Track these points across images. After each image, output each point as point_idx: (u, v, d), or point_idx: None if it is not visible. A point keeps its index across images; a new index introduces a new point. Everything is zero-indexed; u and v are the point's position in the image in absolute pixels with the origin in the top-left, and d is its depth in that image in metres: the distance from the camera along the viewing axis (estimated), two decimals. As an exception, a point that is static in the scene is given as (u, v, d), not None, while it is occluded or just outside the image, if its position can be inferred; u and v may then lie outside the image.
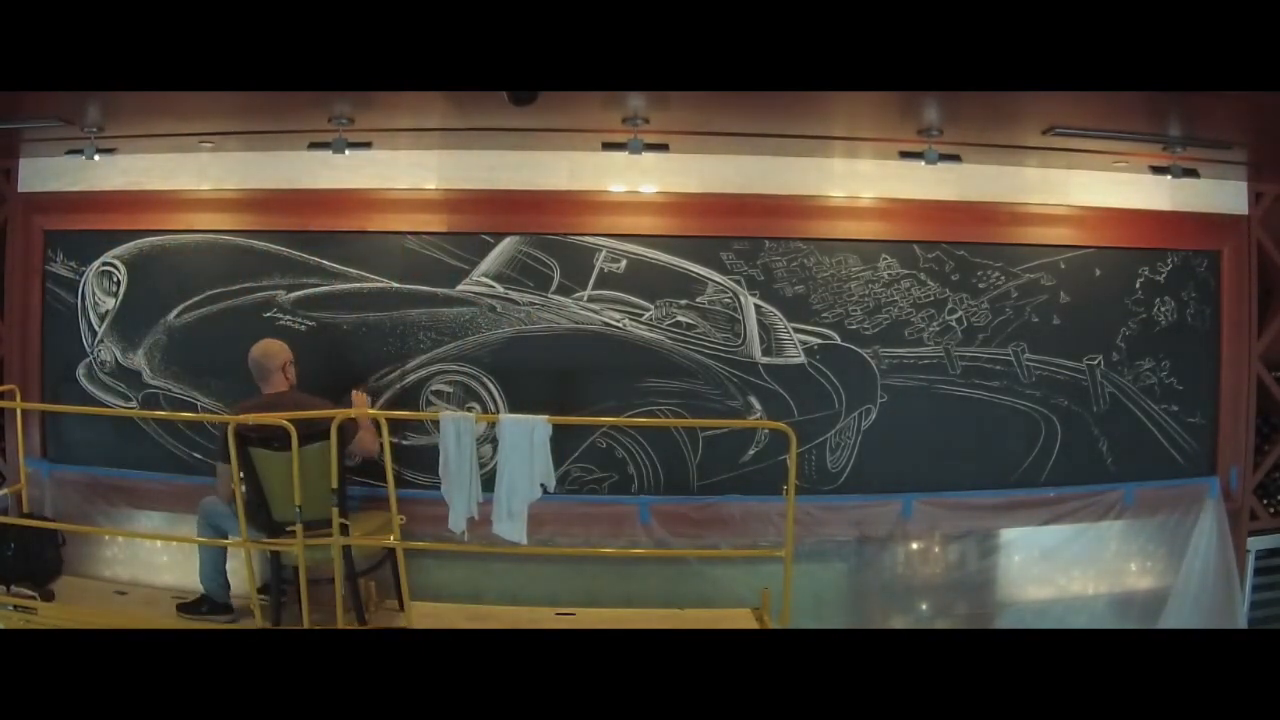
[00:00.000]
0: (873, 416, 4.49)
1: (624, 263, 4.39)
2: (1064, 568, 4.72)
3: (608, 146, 4.13)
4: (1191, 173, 4.36)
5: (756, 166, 4.36)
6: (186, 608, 3.97)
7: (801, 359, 4.44)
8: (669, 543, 4.29)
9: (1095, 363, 4.62)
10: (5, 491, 4.35)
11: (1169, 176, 4.29)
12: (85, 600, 4.16)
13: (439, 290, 4.38)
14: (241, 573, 3.77)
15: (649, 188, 4.40)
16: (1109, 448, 4.64)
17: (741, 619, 4.02)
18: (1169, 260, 4.67)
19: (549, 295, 4.38)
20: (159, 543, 4.55)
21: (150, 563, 4.58)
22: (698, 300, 4.40)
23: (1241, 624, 4.61)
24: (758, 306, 4.42)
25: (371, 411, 3.91)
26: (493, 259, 4.39)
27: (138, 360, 4.53)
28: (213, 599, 3.94)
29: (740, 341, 4.42)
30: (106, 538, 4.59)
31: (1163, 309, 4.67)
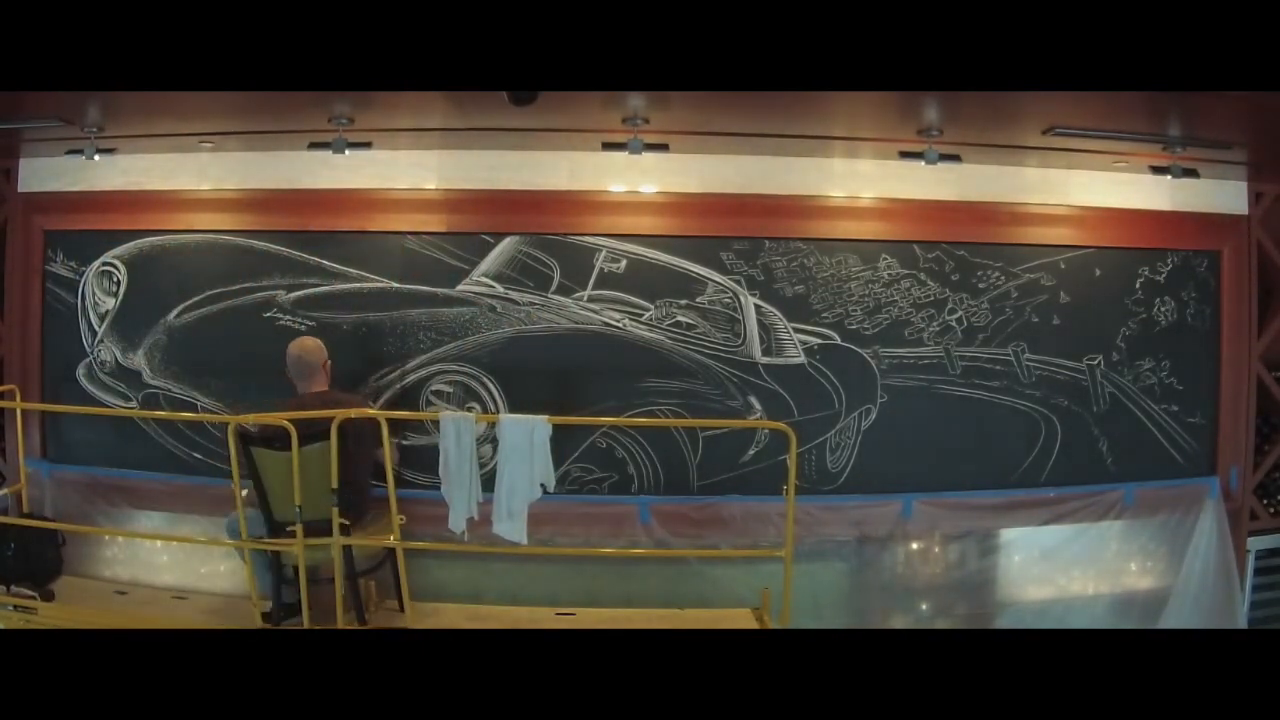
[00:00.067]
0: (873, 416, 4.50)
1: (624, 263, 4.39)
2: (1064, 568, 4.72)
3: (608, 146, 4.13)
4: (1191, 173, 4.35)
5: (756, 166, 4.36)
6: (267, 618, 3.80)
7: (801, 359, 4.44)
8: (669, 543, 4.29)
9: (1095, 363, 4.62)
10: (5, 491, 4.35)
11: (1169, 176, 4.29)
12: (85, 600, 4.16)
13: (439, 290, 4.38)
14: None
15: (649, 188, 4.40)
16: (1109, 448, 4.64)
17: (741, 619, 4.02)
18: (1169, 260, 4.67)
19: (549, 295, 4.38)
20: (159, 543, 4.56)
21: (150, 563, 4.59)
22: (698, 300, 4.40)
23: (1241, 624, 4.61)
24: (758, 306, 4.42)
25: (371, 411, 3.91)
26: (493, 259, 4.39)
27: (138, 360, 4.53)
28: (283, 603, 3.79)
29: (740, 341, 4.42)
30: (106, 538, 4.59)
31: (1163, 309, 4.67)
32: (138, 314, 4.54)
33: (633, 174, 4.34)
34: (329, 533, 3.60)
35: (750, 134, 4.08)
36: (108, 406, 4.53)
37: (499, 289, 4.38)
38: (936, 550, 4.62)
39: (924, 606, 4.63)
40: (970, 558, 4.64)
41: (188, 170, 4.47)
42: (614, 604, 4.20)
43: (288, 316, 4.41)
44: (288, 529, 3.61)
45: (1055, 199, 4.56)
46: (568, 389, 4.38)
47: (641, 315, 4.38)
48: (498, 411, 4.30)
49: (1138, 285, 4.65)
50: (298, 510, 3.55)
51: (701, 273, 4.40)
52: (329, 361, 4.01)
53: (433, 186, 4.40)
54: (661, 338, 4.39)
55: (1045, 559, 4.70)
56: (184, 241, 4.51)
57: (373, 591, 4.11)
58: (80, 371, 4.60)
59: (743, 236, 4.40)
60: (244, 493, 3.66)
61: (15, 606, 3.95)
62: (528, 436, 3.57)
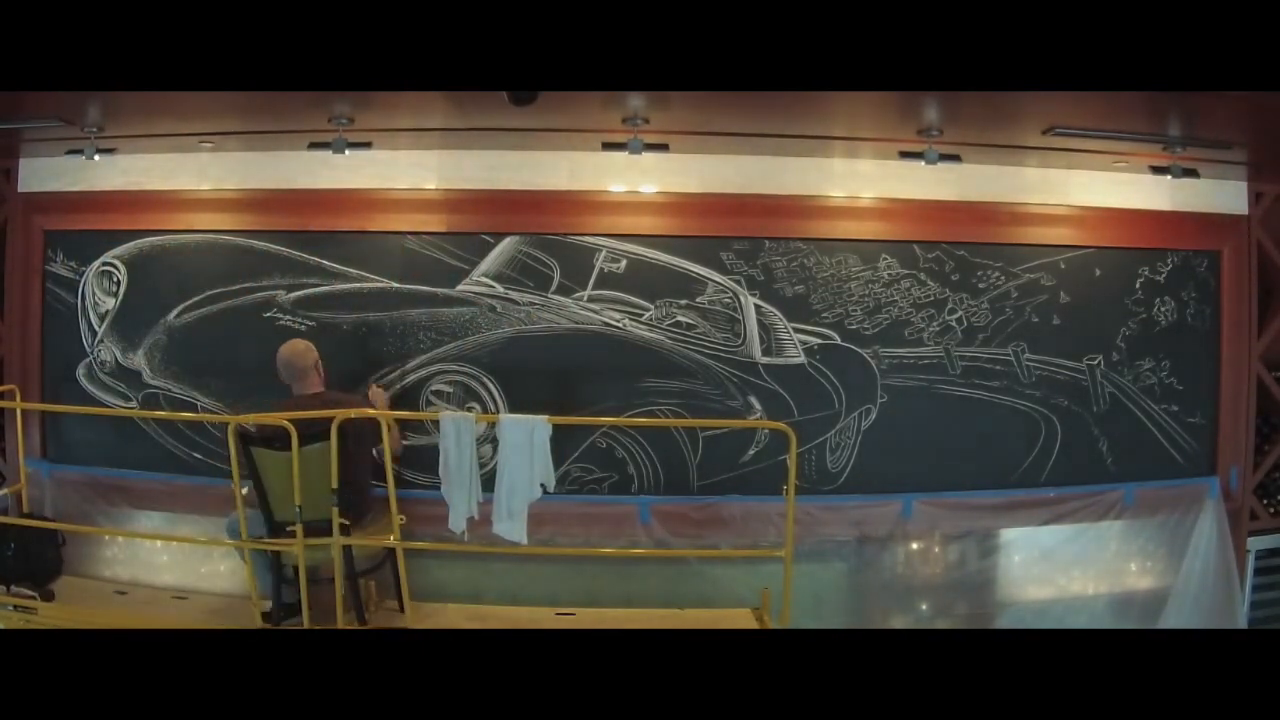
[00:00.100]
0: (873, 416, 4.49)
1: (624, 263, 4.39)
2: (1064, 568, 4.72)
3: (608, 146, 4.13)
4: (1191, 173, 4.35)
5: (756, 166, 4.36)
6: (267, 618, 3.80)
7: (801, 359, 4.44)
8: (669, 543, 4.29)
9: (1095, 363, 4.62)
10: (5, 491, 4.35)
11: (1169, 176, 4.29)
12: (85, 600, 4.16)
13: (439, 290, 4.38)
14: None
15: (649, 188, 4.40)
16: (1109, 448, 4.64)
17: (741, 619, 4.02)
18: (1169, 260, 4.67)
19: (549, 295, 4.38)
20: (159, 543, 4.56)
21: (150, 563, 4.59)
22: (698, 300, 4.40)
23: (1241, 624, 4.62)
24: (758, 306, 4.42)
25: (372, 411, 3.91)
26: (493, 259, 4.39)
27: (138, 360, 4.53)
28: (283, 603, 3.80)
29: (740, 341, 4.42)
30: (106, 538, 4.59)
31: (1163, 309, 4.67)
32: (138, 314, 4.54)
33: (633, 174, 4.34)
34: (329, 533, 3.60)
35: (750, 134, 4.08)
36: (108, 406, 4.53)
37: (499, 289, 4.38)
38: (936, 550, 4.62)
39: (924, 606, 4.63)
40: (970, 558, 4.64)
41: (188, 170, 4.47)
42: (614, 604, 4.20)
43: (288, 316, 4.41)
44: (288, 529, 3.61)
45: (1055, 199, 4.56)
46: (568, 389, 4.38)
47: (641, 315, 4.38)
48: (498, 411, 4.30)
49: (1138, 285, 4.65)
50: (298, 510, 3.55)
51: (701, 273, 4.40)
52: (320, 362, 3.99)
53: (433, 186, 4.40)
54: (661, 338, 4.39)
55: (1045, 559, 4.69)
56: (184, 241, 4.51)
57: (373, 591, 4.11)
58: (80, 371, 4.60)
59: (743, 236, 4.40)
60: (244, 493, 3.66)
61: (15, 606, 3.95)
62: (528, 436, 3.57)
